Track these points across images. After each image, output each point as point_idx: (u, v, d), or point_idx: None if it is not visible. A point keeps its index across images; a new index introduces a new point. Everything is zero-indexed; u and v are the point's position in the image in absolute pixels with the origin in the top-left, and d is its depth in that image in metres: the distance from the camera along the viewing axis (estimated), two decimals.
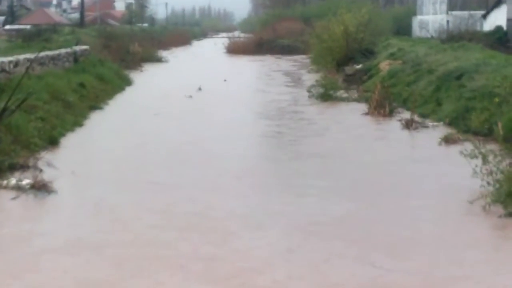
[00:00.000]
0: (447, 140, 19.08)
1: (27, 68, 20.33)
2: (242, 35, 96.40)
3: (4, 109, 15.52)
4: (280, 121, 23.78)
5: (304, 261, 10.33)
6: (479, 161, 13.91)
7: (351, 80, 35.30)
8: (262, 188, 14.85)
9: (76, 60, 32.67)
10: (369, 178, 15.56)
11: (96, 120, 23.32)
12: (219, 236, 11.41)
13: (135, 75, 39.77)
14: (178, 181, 15.13)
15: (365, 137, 20.80)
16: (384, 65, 33.95)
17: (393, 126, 22.15)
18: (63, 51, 30.70)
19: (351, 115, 24.60)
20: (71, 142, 19.26)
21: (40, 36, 42.36)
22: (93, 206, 13.14)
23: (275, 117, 24.81)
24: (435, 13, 52.43)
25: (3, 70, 23.16)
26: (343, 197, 13.87)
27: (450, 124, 21.23)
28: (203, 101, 28.75)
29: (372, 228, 11.94)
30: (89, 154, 18.25)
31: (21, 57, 25.56)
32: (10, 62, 23.94)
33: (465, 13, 47.50)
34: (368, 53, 41.50)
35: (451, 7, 48.70)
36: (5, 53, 32.75)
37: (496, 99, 19.88)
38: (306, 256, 10.53)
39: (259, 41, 67.91)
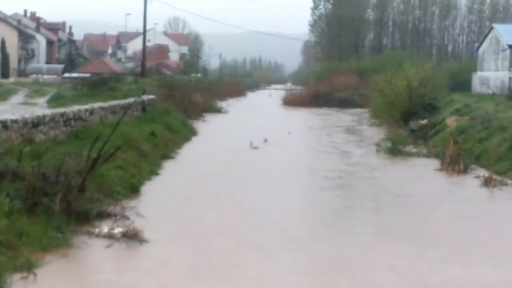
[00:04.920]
0: None
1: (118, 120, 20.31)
2: (293, 87, 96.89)
3: (97, 159, 15.58)
4: (355, 190, 21.33)
5: None
6: None
7: (417, 135, 35.09)
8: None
9: (144, 109, 33.02)
10: (462, 232, 15.36)
11: (170, 170, 23.36)
12: None
13: (198, 125, 39.99)
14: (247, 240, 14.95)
15: (443, 192, 20.48)
16: (451, 121, 33.72)
17: (471, 183, 21.86)
18: (132, 100, 30.99)
19: (424, 171, 24.33)
20: (151, 190, 19.31)
21: (104, 84, 42.88)
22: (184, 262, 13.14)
23: (348, 183, 22.66)
24: (496, 70, 52.07)
25: (80, 118, 23.49)
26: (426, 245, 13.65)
27: None
28: (270, 154, 28.73)
29: None
30: (170, 201, 18.21)
31: (96, 105, 25.96)
32: (86, 110, 24.30)
33: None
34: (431, 108, 41.32)
35: None
36: (73, 100, 33.34)
37: None
38: None
39: (315, 94, 68.03)
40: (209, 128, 40.42)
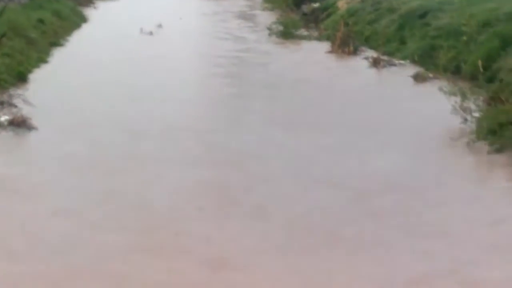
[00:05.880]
0: (417, 78, 19.33)
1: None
2: None
3: None
4: (248, 77, 21.24)
5: None
6: (452, 99, 14.28)
7: (308, 19, 35.18)
8: None
9: None
10: (353, 117, 15.64)
11: (60, 57, 22.88)
12: None
13: (88, 12, 39.05)
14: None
15: (335, 76, 20.81)
16: (342, 4, 33.90)
17: (360, 64, 22.24)
18: None
19: (316, 54, 24.54)
20: (39, 78, 18.96)
21: None
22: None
23: (241, 70, 22.98)
24: None
25: None
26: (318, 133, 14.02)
27: (416, 62, 21.39)
28: (162, 40, 28.45)
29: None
30: (59, 89, 17.93)
31: None
32: None
33: None
34: None
35: None
36: None
37: (464, 37, 20.09)
38: None
39: None
40: (100, 14, 39.52)
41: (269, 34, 29.37)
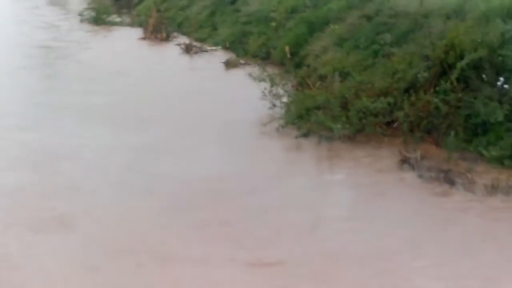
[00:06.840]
0: (229, 64, 19.63)
1: None
2: None
3: None
4: (60, 69, 20.51)
5: None
6: (264, 84, 14.62)
7: (121, 4, 34.81)
8: None
9: None
10: (168, 111, 15.40)
11: None
12: None
13: None
14: None
15: (149, 64, 20.69)
16: None
17: (173, 51, 22.28)
18: None
19: (129, 41, 24.32)
20: None
21: None
22: None
23: (53, 61, 21.88)
24: None
25: None
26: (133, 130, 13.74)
27: (228, 48, 21.71)
28: None
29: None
30: None
31: None
32: None
33: None
34: None
35: None
36: None
37: (273, 24, 20.57)
38: None
39: None
40: None
41: (81, 21, 28.88)
